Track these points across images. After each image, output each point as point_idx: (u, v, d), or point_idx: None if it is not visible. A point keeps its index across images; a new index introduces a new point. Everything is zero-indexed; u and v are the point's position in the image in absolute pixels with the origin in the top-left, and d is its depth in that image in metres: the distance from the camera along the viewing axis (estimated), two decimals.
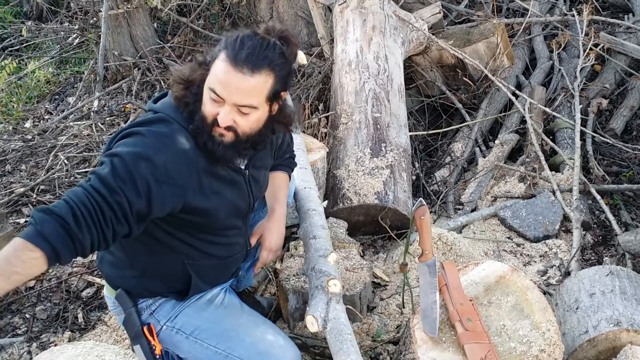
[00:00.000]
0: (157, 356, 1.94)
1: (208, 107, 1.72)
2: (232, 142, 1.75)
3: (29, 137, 4.23)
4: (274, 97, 1.75)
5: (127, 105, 4.42)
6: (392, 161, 3.21)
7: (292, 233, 2.94)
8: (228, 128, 1.72)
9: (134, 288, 1.95)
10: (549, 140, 3.78)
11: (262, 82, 1.69)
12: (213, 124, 1.72)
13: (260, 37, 1.72)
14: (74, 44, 5.35)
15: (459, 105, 4.31)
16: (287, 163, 2.26)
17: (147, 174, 1.63)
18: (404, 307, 2.63)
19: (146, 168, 1.64)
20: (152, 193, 1.65)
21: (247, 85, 1.67)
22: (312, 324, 1.90)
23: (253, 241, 2.13)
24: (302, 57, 3.39)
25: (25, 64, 5.19)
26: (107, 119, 4.32)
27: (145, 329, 1.94)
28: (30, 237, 1.52)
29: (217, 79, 1.68)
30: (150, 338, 1.93)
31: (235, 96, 1.68)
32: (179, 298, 1.98)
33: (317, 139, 3.42)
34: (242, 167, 1.92)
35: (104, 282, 2.08)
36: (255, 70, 1.67)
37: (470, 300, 2.08)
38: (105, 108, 4.48)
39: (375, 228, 3.15)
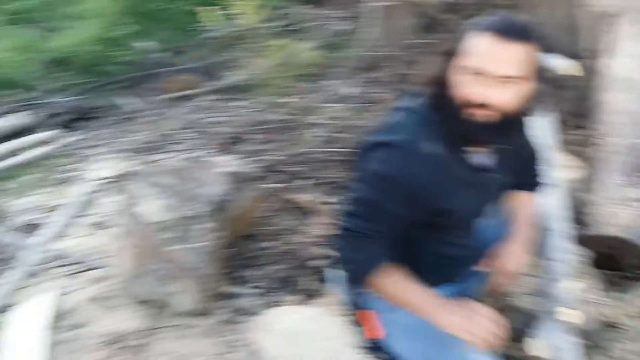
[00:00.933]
0: (371, 340, 2.00)
1: (467, 89, 1.66)
2: (490, 121, 1.68)
3: (289, 112, 4.58)
4: (534, 75, 1.68)
5: (383, 95, 4.57)
6: None
7: None
8: (486, 106, 1.66)
9: None
10: None
11: (530, 53, 1.64)
12: (471, 104, 1.67)
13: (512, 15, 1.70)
14: (342, 30, 5.65)
15: None
16: (533, 182, 2.15)
17: (403, 188, 1.71)
18: None
19: (402, 183, 1.71)
20: (410, 204, 1.73)
21: (516, 54, 1.62)
22: (538, 349, 1.82)
23: (489, 262, 2.07)
24: (574, 68, 3.23)
25: (295, 44, 5.59)
26: (362, 105, 4.51)
27: (361, 312, 2.00)
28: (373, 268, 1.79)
29: (481, 54, 1.63)
30: (365, 323, 1.99)
31: (502, 67, 1.63)
32: None
33: (572, 157, 3.24)
34: (485, 169, 1.86)
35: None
36: (524, 40, 1.63)
37: None
38: (362, 95, 4.68)
39: (620, 264, 2.90)
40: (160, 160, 4.13)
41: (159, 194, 2.95)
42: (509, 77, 1.63)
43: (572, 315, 1.88)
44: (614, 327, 2.61)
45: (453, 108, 1.70)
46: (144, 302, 2.89)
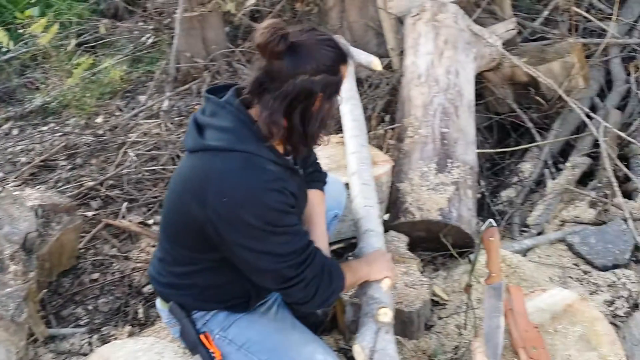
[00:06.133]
0: None
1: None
2: None
3: (100, 132, 4.35)
4: None
5: (195, 107, 4.50)
6: (457, 178, 3.15)
7: (350, 244, 2.92)
8: None
9: (191, 304, 1.99)
10: (622, 166, 3.65)
11: None
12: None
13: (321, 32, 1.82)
14: (148, 43, 5.47)
15: (530, 124, 4.21)
16: (319, 178, 2.24)
17: (290, 207, 1.82)
18: (464, 329, 2.58)
19: (288, 209, 1.80)
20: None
21: None
22: (358, 353, 1.88)
23: None
24: (376, 63, 3.38)
25: (100, 61, 5.33)
26: (176, 119, 4.40)
27: (202, 337, 1.97)
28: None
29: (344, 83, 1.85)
30: (208, 345, 1.96)
31: None
32: (236, 311, 2.00)
33: (383, 151, 3.40)
34: (296, 165, 1.96)
35: None
36: None
37: (536, 327, 2.02)
38: (175, 108, 4.57)
39: (436, 245, 3.10)
40: None
41: None
42: None
43: (389, 315, 1.95)
44: (438, 303, 2.79)
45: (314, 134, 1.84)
46: None
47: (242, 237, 1.74)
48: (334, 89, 1.78)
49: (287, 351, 1.92)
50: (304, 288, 1.81)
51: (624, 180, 3.68)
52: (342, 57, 1.77)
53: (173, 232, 1.92)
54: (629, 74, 4.64)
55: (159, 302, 2.10)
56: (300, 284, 1.80)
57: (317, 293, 1.83)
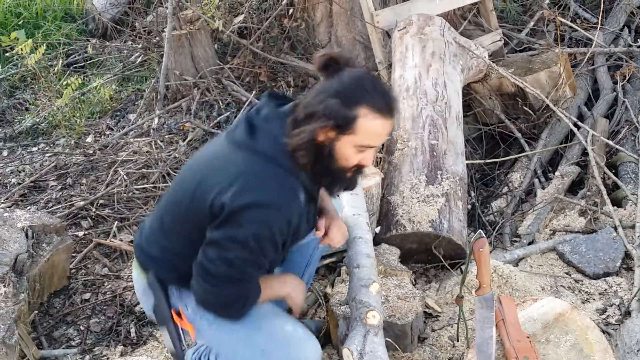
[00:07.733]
0: (185, 340, 2.02)
1: (352, 160, 1.83)
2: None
3: (90, 151, 4.35)
4: None
5: (185, 124, 4.51)
6: (447, 189, 3.16)
7: (343, 258, 2.92)
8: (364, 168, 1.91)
9: (170, 280, 2.00)
10: (611, 174, 3.67)
11: None
12: (351, 170, 1.87)
13: (375, 76, 1.92)
14: (137, 62, 5.49)
15: (518, 135, 4.23)
16: None
17: (279, 239, 1.85)
18: (457, 340, 2.57)
19: (278, 238, 1.84)
20: (282, 247, 1.91)
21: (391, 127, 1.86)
22: (347, 357, 1.88)
23: (321, 228, 2.14)
24: None
25: (89, 80, 5.34)
26: (166, 136, 4.41)
27: (173, 311, 1.99)
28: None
29: (376, 135, 1.80)
30: (178, 321, 1.99)
31: (384, 140, 1.97)
32: None
33: (372, 164, 3.40)
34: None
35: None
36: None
37: (528, 337, 2.03)
38: (165, 126, 4.58)
39: (428, 257, 3.11)
40: None
41: None
42: None
43: (377, 317, 1.97)
44: (431, 315, 2.79)
45: (337, 175, 1.87)
46: None
47: (223, 226, 1.79)
48: (342, 121, 1.74)
49: (259, 323, 1.95)
50: (213, 292, 1.86)
51: (613, 188, 3.70)
52: (362, 94, 1.76)
53: (178, 210, 1.93)
54: (615, 82, 4.68)
55: (135, 273, 2.09)
56: (214, 288, 1.85)
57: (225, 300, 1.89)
